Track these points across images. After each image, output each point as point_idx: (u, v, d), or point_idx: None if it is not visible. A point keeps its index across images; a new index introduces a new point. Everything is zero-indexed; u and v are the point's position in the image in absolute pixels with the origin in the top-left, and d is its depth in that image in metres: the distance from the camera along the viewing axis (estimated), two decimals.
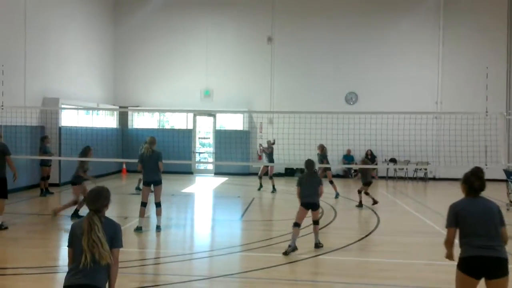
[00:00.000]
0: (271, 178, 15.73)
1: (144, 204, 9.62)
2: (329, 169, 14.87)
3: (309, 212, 8.23)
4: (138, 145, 19.52)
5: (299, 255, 7.72)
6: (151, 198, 9.94)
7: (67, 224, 10.41)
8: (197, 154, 21.61)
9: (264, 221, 11.58)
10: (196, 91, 21.41)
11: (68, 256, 3.92)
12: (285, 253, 7.67)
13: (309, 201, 8.11)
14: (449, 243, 4.48)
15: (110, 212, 11.70)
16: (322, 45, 20.95)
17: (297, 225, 7.99)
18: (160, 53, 21.68)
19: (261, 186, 15.93)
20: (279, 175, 20.75)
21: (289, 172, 20.92)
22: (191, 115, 21.35)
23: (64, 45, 17.56)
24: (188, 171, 20.63)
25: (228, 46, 21.46)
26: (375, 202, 12.71)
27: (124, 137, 21.13)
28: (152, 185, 9.66)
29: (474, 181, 4.43)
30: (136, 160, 10.66)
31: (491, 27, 20.22)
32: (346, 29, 20.86)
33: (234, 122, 21.72)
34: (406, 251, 8.39)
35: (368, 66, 20.70)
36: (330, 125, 14.83)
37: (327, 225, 10.41)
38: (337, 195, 14.29)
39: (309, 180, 8.20)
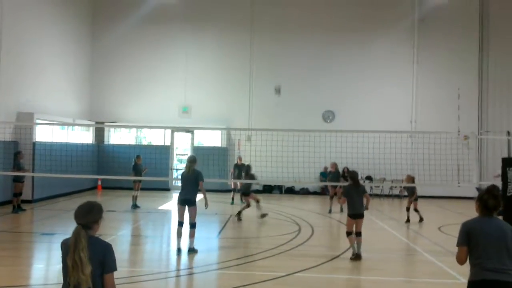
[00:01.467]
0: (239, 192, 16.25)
1: (181, 224, 9.15)
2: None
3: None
4: (114, 161, 19.46)
5: (276, 273, 7.71)
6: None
7: (39, 241, 10.17)
8: (174, 171, 21.45)
9: (242, 238, 11.53)
10: (174, 107, 21.37)
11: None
12: (351, 259, 8.69)
13: (357, 212, 8.80)
14: (460, 263, 4.22)
15: None
16: (300, 63, 21.24)
17: (349, 233, 8.84)
18: (138, 68, 21.63)
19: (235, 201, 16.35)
20: (256, 192, 20.75)
21: (267, 189, 20.95)
22: (169, 131, 21.26)
23: (39, 58, 17.35)
24: (165, 188, 20.45)
25: (207, 63, 21.57)
26: (421, 219, 13.33)
27: (100, 153, 20.86)
28: (186, 206, 9.11)
29: (488, 199, 4.12)
30: (112, 177, 10.51)
31: (463, 48, 20.89)
32: (323, 48, 21.24)
33: (212, 138, 21.71)
34: (381, 268, 8.47)
35: (345, 84, 21.07)
36: (308, 143, 15.02)
37: (303, 242, 10.43)
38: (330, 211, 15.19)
39: (355, 191, 8.84)
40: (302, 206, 16.38)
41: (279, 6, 21.46)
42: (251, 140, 19.07)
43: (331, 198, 15.41)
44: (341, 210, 14.68)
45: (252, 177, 13.43)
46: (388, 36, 21.15)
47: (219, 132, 21.17)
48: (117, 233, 11.12)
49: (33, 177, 15.22)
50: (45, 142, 16.62)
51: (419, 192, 20.32)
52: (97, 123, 20.68)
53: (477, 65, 20.99)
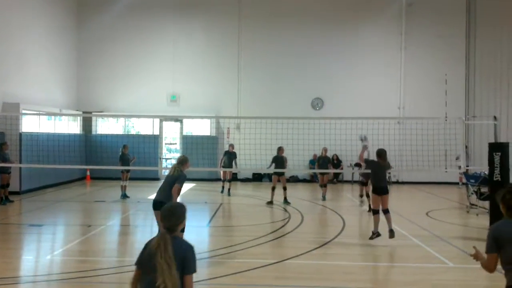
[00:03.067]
0: (229, 181, 16.50)
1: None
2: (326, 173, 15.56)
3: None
4: (102, 151, 19.33)
5: (266, 260, 7.75)
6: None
7: (27, 233, 10.11)
8: (163, 160, 21.37)
9: (232, 226, 11.57)
10: (163, 96, 21.23)
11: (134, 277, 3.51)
12: (371, 238, 9.14)
13: (381, 185, 9.24)
14: (489, 271, 3.87)
15: (74, 220, 11.41)
16: (288, 51, 21.16)
17: (375, 211, 9.26)
18: (126, 57, 21.39)
19: (225, 189, 16.51)
20: (246, 180, 20.79)
21: (257, 178, 20.99)
22: (157, 120, 21.12)
23: (25, 48, 17.06)
24: (154, 177, 20.37)
25: (195, 51, 21.40)
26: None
27: (87, 143, 20.68)
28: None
29: (510, 199, 3.79)
30: (101, 167, 10.44)
31: (450, 34, 20.96)
32: (311, 36, 21.17)
33: (201, 127, 21.63)
34: (370, 253, 8.56)
35: (333, 72, 21.07)
36: (297, 130, 15.02)
37: (293, 229, 10.50)
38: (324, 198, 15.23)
39: (380, 167, 9.33)
40: (292, 194, 16.43)
41: None
42: (240, 128, 19.05)
43: (324, 186, 15.38)
44: (324, 198, 15.01)
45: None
46: (376, 22, 21.14)
47: (208, 120, 21.09)
48: (106, 223, 11.09)
49: (20, 168, 15.06)
50: (32, 132, 16.43)
51: (407, 178, 20.75)
52: (84, 112, 20.48)
53: (464, 51, 21.10)
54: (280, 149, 14.27)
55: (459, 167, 14.97)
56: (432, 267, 7.69)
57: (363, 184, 13.75)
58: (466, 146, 16.48)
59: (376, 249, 8.86)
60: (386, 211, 9.17)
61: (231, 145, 16.48)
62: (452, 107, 19.68)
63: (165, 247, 3.32)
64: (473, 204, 13.05)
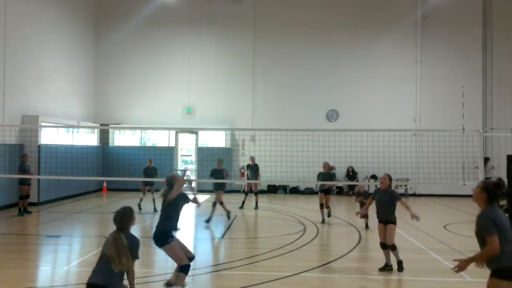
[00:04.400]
0: (256, 194, 16.08)
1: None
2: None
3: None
4: (119, 163, 19.52)
5: (281, 273, 7.71)
6: None
7: (45, 244, 10.23)
8: (179, 172, 21.47)
9: (247, 238, 11.55)
10: (178, 108, 21.43)
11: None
12: (381, 270, 8.08)
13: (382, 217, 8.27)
14: (495, 253, 4.34)
15: (90, 231, 11.51)
16: (303, 63, 21.23)
17: (383, 246, 8.16)
18: (142, 70, 21.69)
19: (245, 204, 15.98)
20: (261, 192, 20.77)
21: (272, 189, 20.96)
22: (173, 132, 21.32)
23: (44, 62, 17.44)
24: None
25: (211, 64, 21.61)
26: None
27: (105, 155, 20.93)
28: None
29: (496, 191, 4.55)
30: (117, 178, 10.53)
31: (466, 46, 20.81)
32: (326, 48, 21.22)
33: (216, 139, 21.74)
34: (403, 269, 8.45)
35: (348, 84, 21.05)
36: (312, 142, 15.00)
37: (309, 242, 10.43)
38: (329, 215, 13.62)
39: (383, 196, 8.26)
40: (307, 206, 16.36)
41: (282, 6, 21.46)
42: (255, 140, 19.09)
43: (326, 207, 13.34)
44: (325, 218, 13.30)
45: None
46: (391, 35, 21.10)
47: (223, 132, 21.20)
48: None
49: (38, 179, 15.30)
50: (51, 144, 16.70)
51: (424, 190, 20.49)
52: (101, 125, 20.75)
53: (480, 63, 20.92)
54: (219, 161, 13.74)
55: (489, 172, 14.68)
56: (450, 281, 7.56)
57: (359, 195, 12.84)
58: (488, 158, 16.25)
59: (393, 263, 8.74)
60: (392, 248, 8.00)
61: (252, 158, 16.30)
62: (469, 120, 19.48)
63: (117, 242, 4.58)
64: None
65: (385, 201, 8.14)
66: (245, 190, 16.61)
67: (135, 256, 4.66)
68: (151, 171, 14.90)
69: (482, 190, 4.55)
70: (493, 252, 4.31)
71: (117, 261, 4.50)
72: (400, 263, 8.02)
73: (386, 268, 8.05)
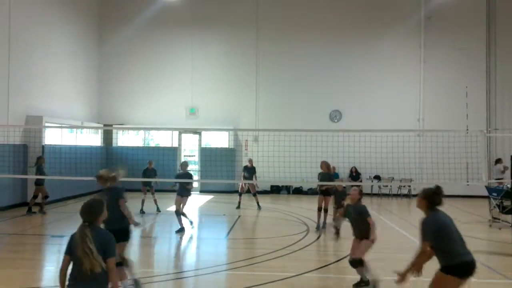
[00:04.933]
0: (254, 195, 15.90)
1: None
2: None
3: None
4: (122, 163, 19.51)
5: (284, 273, 7.71)
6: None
7: (49, 243, 10.26)
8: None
9: (250, 239, 11.55)
10: (182, 109, 21.46)
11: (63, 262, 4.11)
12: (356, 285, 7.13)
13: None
14: (427, 258, 4.89)
15: None
16: (306, 63, 21.23)
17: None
18: (145, 71, 21.74)
19: (239, 205, 15.95)
20: (264, 192, 20.78)
21: (275, 190, 20.97)
22: (176, 133, 21.35)
23: (48, 62, 17.50)
24: (173, 189, 20.46)
25: (213, 64, 21.64)
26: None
27: (108, 155, 20.98)
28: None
29: (437, 198, 5.04)
30: (121, 179, 10.53)
31: (470, 46, 20.76)
32: (330, 48, 21.22)
33: (219, 139, 21.76)
34: (391, 267, 8.42)
35: (352, 84, 21.03)
36: (315, 143, 14.99)
37: (312, 242, 10.43)
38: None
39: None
40: (310, 206, 16.34)
41: (285, 6, 21.47)
42: (258, 140, 19.12)
43: (324, 210, 12.12)
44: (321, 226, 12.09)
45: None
46: (395, 35, 21.07)
47: (226, 133, 21.22)
48: None
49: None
50: (54, 145, 16.76)
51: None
52: (105, 125, 20.81)
53: (484, 63, 20.86)
54: (184, 164, 12.57)
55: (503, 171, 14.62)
56: None
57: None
58: (499, 160, 16.14)
59: (396, 263, 8.71)
60: (359, 263, 7.07)
61: (250, 160, 16.32)
62: (473, 120, 19.43)
63: (84, 238, 3.95)
64: (495, 218, 12.78)
65: (355, 219, 7.33)
66: (239, 191, 16.36)
67: (111, 253, 4.04)
68: (150, 173, 14.75)
69: (422, 198, 4.97)
70: (423, 256, 4.78)
71: (87, 262, 3.87)
72: (364, 283, 7.02)
73: (361, 284, 7.10)
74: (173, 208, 16.12)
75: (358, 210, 7.29)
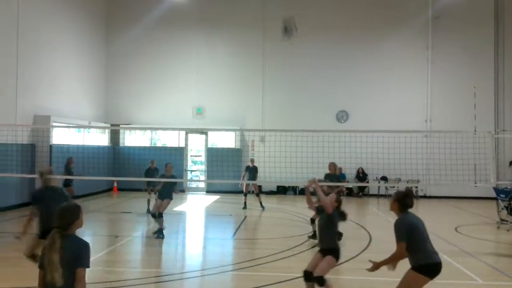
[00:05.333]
0: (257, 195, 16.02)
1: None
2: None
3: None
4: (129, 163, 19.62)
5: (291, 274, 7.70)
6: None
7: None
8: (189, 172, 21.56)
9: (256, 239, 11.54)
10: (188, 109, 21.49)
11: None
12: None
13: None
14: (402, 258, 5.13)
15: (101, 231, 11.57)
16: (313, 63, 21.19)
17: (308, 277, 6.06)
18: (152, 71, 21.80)
19: (245, 205, 15.95)
20: (270, 193, 20.76)
21: (281, 190, 20.94)
22: (183, 133, 21.39)
23: (55, 63, 17.60)
24: (179, 189, 20.51)
25: (220, 64, 21.65)
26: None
27: (115, 155, 21.05)
28: None
29: (408, 200, 5.13)
30: (127, 178, 10.58)
31: (478, 47, 20.63)
32: (336, 48, 21.16)
33: (226, 140, 21.78)
34: (398, 269, 8.36)
35: (359, 85, 20.96)
36: (321, 143, 14.94)
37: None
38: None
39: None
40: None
41: (291, 6, 21.41)
42: (265, 140, 19.10)
43: None
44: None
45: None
46: (402, 35, 20.98)
47: (232, 133, 21.23)
48: (132, 234, 11.22)
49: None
50: (62, 144, 16.85)
51: (435, 192, 20.32)
52: (112, 125, 20.88)
53: (493, 63, 20.71)
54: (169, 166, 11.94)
55: None
56: (461, 284, 7.50)
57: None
58: None
59: (403, 265, 8.67)
60: (320, 282, 5.85)
61: (252, 160, 16.40)
62: (481, 121, 19.30)
63: (51, 245, 3.57)
64: (503, 220, 12.69)
65: (322, 226, 6.34)
66: (244, 191, 16.44)
67: (82, 263, 3.62)
68: (153, 173, 14.69)
69: (394, 200, 5.12)
70: (400, 257, 5.02)
71: (48, 273, 3.51)
72: None
73: None
74: (180, 208, 16.19)
75: (330, 217, 6.21)
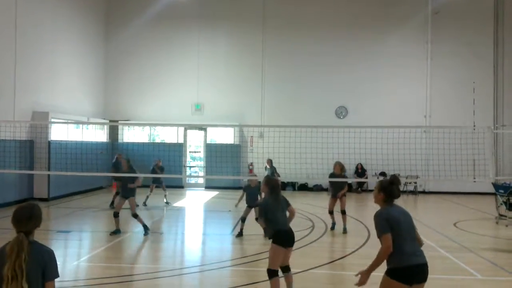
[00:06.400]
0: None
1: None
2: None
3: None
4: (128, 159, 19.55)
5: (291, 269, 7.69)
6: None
7: (55, 239, 10.30)
8: (187, 168, 21.55)
9: (255, 235, 11.52)
10: (187, 105, 21.46)
11: None
12: None
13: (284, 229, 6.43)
14: (389, 251, 4.22)
15: (100, 227, 11.57)
16: (312, 59, 21.15)
17: (273, 273, 6.14)
18: (151, 67, 21.75)
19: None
20: None
21: (281, 186, 20.93)
22: (182, 129, 21.36)
23: (54, 58, 17.54)
24: (178, 185, 20.55)
25: (220, 60, 21.60)
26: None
27: (114, 151, 20.98)
28: None
29: (394, 189, 4.46)
30: (126, 174, 10.57)
31: (478, 42, 20.59)
32: (336, 44, 21.12)
33: (225, 136, 21.76)
34: None
35: (358, 80, 20.93)
36: (320, 139, 14.94)
37: (317, 239, 10.41)
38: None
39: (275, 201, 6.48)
40: (316, 203, 16.34)
41: (292, 3, 21.38)
42: (264, 136, 19.10)
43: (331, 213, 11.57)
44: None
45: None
46: (402, 31, 20.94)
47: (231, 129, 21.21)
48: (132, 230, 11.22)
49: (48, 175, 15.43)
50: (60, 140, 16.81)
51: (434, 187, 20.36)
52: (111, 121, 20.84)
53: (492, 59, 20.69)
54: (126, 160, 11.92)
55: None
56: (460, 279, 7.50)
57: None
58: None
59: None
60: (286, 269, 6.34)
61: (268, 160, 16.77)
62: (480, 116, 19.30)
63: (20, 253, 3.12)
64: (502, 215, 12.71)
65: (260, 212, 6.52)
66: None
67: (52, 275, 3.24)
68: (157, 172, 15.19)
69: (378, 190, 4.48)
70: (387, 251, 4.22)
71: (13, 286, 3.05)
72: None
73: None
74: (179, 203, 16.20)
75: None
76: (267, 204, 6.28)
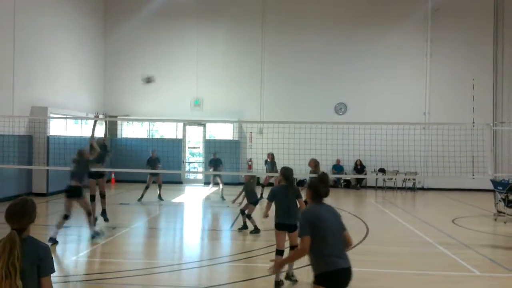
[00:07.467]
0: (263, 186, 16.33)
1: None
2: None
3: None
4: (127, 155, 19.59)
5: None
6: None
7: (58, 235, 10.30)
8: (186, 164, 21.54)
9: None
10: (186, 101, 21.43)
11: None
12: None
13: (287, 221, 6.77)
14: (305, 254, 4.15)
15: (99, 222, 11.48)
16: (311, 55, 21.12)
17: (279, 252, 6.78)
18: (150, 63, 21.67)
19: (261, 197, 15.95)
20: (269, 184, 20.73)
21: None
22: (180, 124, 21.34)
23: (53, 54, 17.50)
24: (177, 181, 20.55)
25: (219, 56, 21.56)
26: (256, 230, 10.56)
27: (113, 147, 20.96)
28: None
29: (320, 187, 4.28)
30: (125, 170, 10.54)
31: (477, 40, 20.57)
32: (335, 41, 21.09)
33: (224, 131, 21.74)
34: (395, 261, 8.43)
35: (357, 77, 20.91)
36: (320, 135, 14.96)
37: None
38: None
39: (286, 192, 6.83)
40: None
41: None
42: (263, 132, 19.08)
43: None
44: None
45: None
46: (401, 28, 20.91)
47: (230, 125, 21.19)
48: (131, 226, 11.23)
49: (47, 170, 15.41)
50: (59, 136, 16.79)
51: (433, 184, 20.38)
52: (110, 116, 20.80)
53: (491, 56, 20.67)
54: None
55: None
56: (458, 275, 7.52)
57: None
58: None
59: (400, 257, 8.72)
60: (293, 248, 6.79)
61: (269, 155, 16.48)
62: (479, 113, 19.28)
63: (13, 250, 3.03)
64: (500, 212, 12.74)
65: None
66: (263, 183, 16.86)
67: (47, 270, 3.16)
68: (153, 162, 15.22)
69: (308, 187, 4.36)
70: (303, 253, 4.12)
71: (6, 284, 2.98)
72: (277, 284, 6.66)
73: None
74: (176, 199, 16.19)
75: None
76: (276, 191, 6.89)
